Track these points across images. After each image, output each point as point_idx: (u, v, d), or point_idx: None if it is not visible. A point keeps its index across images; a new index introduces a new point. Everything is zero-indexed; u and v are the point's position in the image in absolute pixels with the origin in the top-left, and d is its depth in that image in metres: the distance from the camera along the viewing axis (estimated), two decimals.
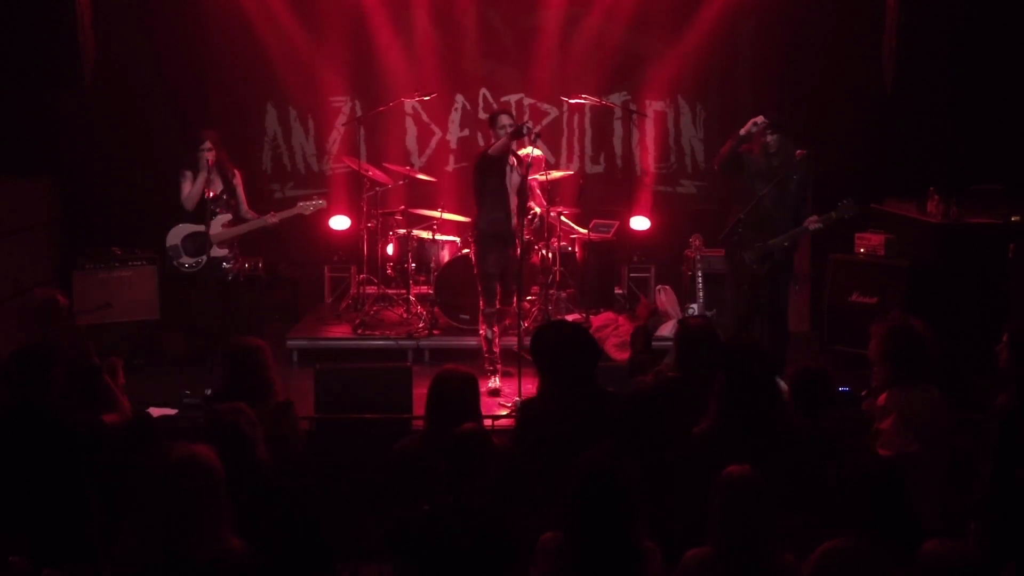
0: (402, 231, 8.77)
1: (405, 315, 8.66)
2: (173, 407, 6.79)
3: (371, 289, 8.97)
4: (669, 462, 4.43)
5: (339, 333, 8.53)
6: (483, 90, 9.93)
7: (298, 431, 5.05)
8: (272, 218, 7.42)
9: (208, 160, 7.23)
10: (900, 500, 3.66)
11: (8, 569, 3.82)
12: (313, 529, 4.34)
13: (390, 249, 8.89)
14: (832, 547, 3.62)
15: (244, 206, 7.48)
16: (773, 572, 3.55)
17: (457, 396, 4.63)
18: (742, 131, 7.16)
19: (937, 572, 3.30)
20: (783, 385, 5.01)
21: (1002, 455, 4.51)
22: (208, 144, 7.27)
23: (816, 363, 5.83)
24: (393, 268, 8.89)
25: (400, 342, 8.23)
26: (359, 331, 8.41)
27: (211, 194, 7.23)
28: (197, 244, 7.26)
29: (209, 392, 6.96)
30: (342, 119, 9.85)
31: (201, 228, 7.23)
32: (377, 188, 8.83)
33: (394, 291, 8.97)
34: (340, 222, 9.58)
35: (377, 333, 8.40)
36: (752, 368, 4.48)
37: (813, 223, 7.05)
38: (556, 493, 3.69)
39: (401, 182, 8.95)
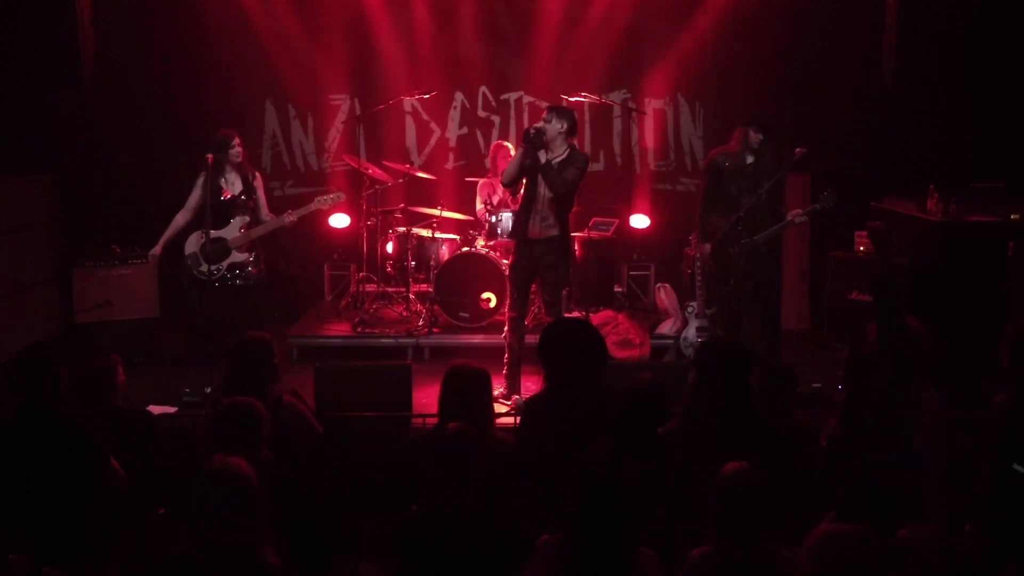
0: (402, 229, 8.77)
1: (405, 313, 8.66)
2: (173, 405, 6.79)
3: (371, 287, 8.97)
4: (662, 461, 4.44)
5: (339, 331, 8.53)
6: (482, 88, 9.93)
7: (294, 426, 5.03)
8: (290, 216, 7.22)
9: (237, 157, 7.09)
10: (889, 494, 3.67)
11: (8, 567, 3.82)
12: (312, 527, 4.34)
13: (390, 247, 8.88)
14: (831, 532, 3.62)
15: (265, 208, 7.26)
16: (774, 567, 3.55)
17: (468, 391, 4.64)
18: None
19: (916, 557, 3.30)
20: None
21: (1002, 455, 4.51)
22: (237, 140, 7.11)
23: (784, 362, 5.87)
24: (393, 266, 8.89)
25: (400, 340, 8.23)
26: (359, 329, 8.41)
27: (228, 195, 7.10)
28: (216, 251, 7.08)
29: (208, 390, 7.01)
30: (341, 117, 9.86)
31: (219, 234, 7.06)
32: (377, 186, 8.82)
33: (394, 289, 8.97)
34: (340, 220, 9.58)
35: (377, 331, 8.40)
36: (722, 365, 4.51)
37: (797, 216, 7.22)
38: (558, 492, 3.69)
39: (401, 180, 8.94)
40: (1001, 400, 4.61)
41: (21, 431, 4.43)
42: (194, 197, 7.14)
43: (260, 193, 7.29)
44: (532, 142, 6.82)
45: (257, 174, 7.33)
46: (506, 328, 7.27)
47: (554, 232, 6.97)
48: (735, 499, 3.54)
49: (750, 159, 7.27)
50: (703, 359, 4.71)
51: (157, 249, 7.25)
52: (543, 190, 6.92)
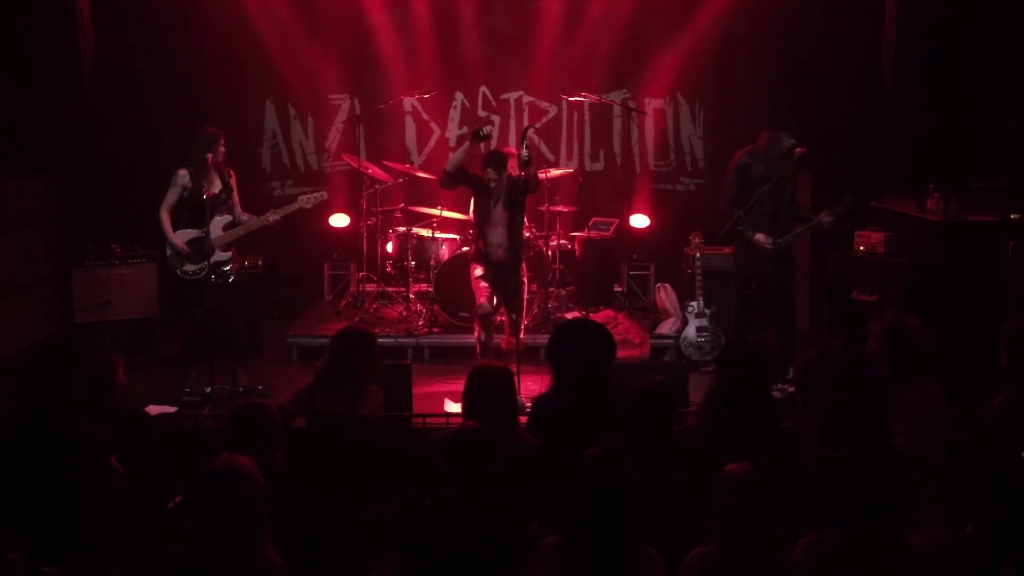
0: (402, 229, 8.77)
1: (405, 313, 8.67)
2: (172, 405, 6.80)
3: (371, 287, 8.97)
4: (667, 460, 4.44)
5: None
6: (483, 88, 9.93)
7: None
8: (273, 215, 7.19)
9: (220, 156, 7.10)
10: (886, 493, 3.65)
11: (8, 567, 3.82)
12: (316, 527, 4.34)
13: (390, 247, 8.89)
14: (818, 539, 3.61)
15: (239, 208, 7.27)
16: (776, 570, 3.54)
17: (491, 390, 4.67)
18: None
19: (925, 563, 3.29)
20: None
21: (1002, 454, 4.51)
22: (223, 141, 7.12)
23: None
24: (393, 266, 8.90)
25: (400, 340, 8.23)
26: None
27: (211, 193, 7.07)
28: (199, 250, 7.09)
29: (209, 389, 7.02)
30: (341, 116, 9.86)
31: (201, 234, 7.06)
32: (377, 186, 8.83)
33: (394, 289, 8.98)
34: (340, 220, 9.58)
35: (377, 331, 8.37)
36: (744, 368, 4.52)
37: (826, 218, 7.18)
38: (565, 491, 3.69)
39: (401, 180, 8.95)
40: (1000, 400, 4.61)
41: (22, 431, 4.42)
42: (173, 195, 7.11)
43: (235, 192, 7.28)
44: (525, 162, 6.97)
45: (232, 172, 7.30)
46: (477, 326, 7.39)
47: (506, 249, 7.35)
48: (737, 500, 3.53)
49: (780, 163, 7.24)
50: (726, 358, 4.73)
51: (185, 248, 7.19)
52: (509, 206, 7.23)
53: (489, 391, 4.67)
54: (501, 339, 7.48)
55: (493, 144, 8.31)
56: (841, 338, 7.37)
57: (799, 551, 3.61)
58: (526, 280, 8.25)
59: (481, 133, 7.12)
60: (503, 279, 7.28)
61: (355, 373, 5.24)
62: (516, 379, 6.87)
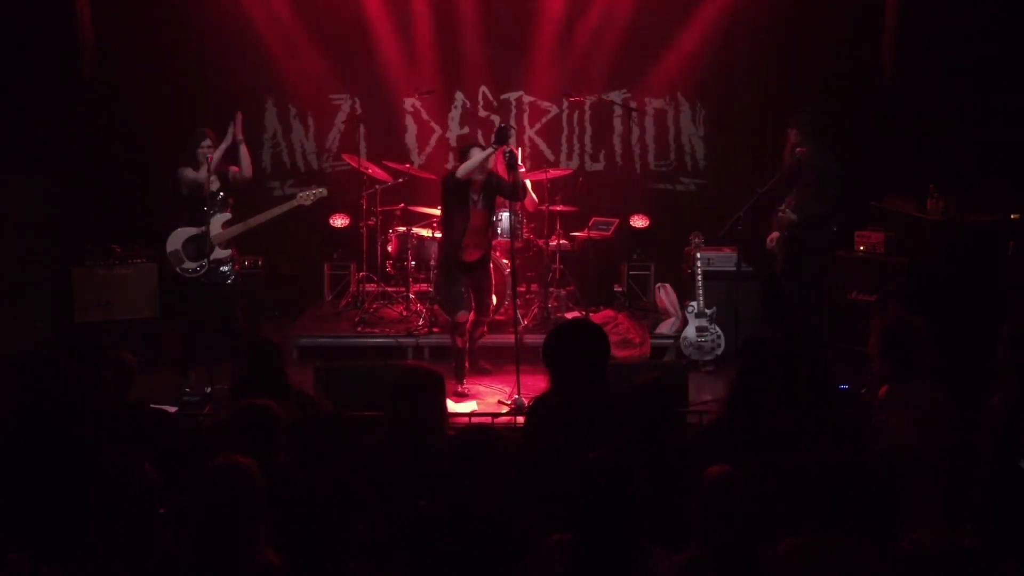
0: (402, 229, 8.78)
1: (404, 313, 8.67)
2: (172, 405, 6.80)
3: (371, 287, 8.98)
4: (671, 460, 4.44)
5: (339, 330, 8.53)
6: (483, 88, 9.93)
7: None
8: (276, 211, 7.25)
9: (208, 157, 7.11)
10: (882, 497, 3.65)
11: (8, 567, 3.82)
12: (316, 527, 4.34)
13: (390, 247, 8.89)
14: (800, 542, 3.60)
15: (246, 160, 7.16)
16: (757, 573, 3.53)
17: (423, 393, 4.65)
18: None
19: (925, 563, 3.29)
20: None
21: (1001, 454, 4.51)
22: (208, 142, 7.12)
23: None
24: (393, 266, 8.90)
25: (400, 340, 8.23)
26: (359, 328, 8.41)
27: (209, 191, 7.06)
28: (199, 248, 7.10)
29: (209, 389, 7.02)
30: (342, 116, 9.86)
31: (201, 231, 7.08)
32: (377, 186, 8.83)
33: (394, 289, 8.98)
34: (340, 219, 9.58)
35: (377, 331, 8.40)
36: (760, 363, 4.52)
37: (783, 211, 7.30)
38: (567, 491, 3.69)
39: (401, 180, 8.95)
40: (1000, 400, 4.62)
41: (22, 431, 4.43)
42: (189, 174, 7.13)
43: (245, 158, 7.17)
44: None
45: (232, 168, 7.25)
46: (459, 337, 7.44)
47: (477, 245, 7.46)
48: (718, 504, 3.51)
49: (799, 158, 7.29)
50: (750, 354, 4.75)
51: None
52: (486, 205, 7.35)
53: (419, 393, 4.63)
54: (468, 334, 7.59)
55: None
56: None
57: (780, 554, 3.59)
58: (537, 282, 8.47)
59: (508, 130, 7.01)
60: (475, 278, 7.39)
61: (266, 387, 4.96)
62: (517, 378, 6.97)
